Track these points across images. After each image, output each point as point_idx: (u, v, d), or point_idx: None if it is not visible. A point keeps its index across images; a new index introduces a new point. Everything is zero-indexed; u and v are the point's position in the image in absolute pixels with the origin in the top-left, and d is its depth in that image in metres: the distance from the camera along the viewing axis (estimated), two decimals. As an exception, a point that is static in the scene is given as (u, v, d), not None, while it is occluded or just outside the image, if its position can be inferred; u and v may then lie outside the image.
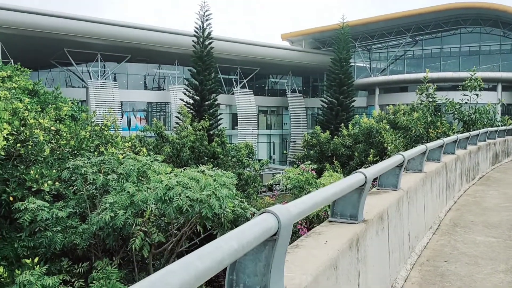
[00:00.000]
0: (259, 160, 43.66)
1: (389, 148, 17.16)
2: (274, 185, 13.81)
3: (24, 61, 26.98)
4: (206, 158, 17.92)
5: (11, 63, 28.04)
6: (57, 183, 10.16)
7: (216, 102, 34.08)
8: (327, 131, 25.90)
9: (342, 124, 26.43)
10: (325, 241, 2.61)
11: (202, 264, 1.36)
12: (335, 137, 24.39)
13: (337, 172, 17.45)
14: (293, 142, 52.93)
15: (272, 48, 48.30)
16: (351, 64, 42.86)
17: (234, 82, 50.27)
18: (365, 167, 16.76)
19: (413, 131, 15.54)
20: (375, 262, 3.20)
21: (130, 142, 14.84)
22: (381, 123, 21.58)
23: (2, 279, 7.74)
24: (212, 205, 8.13)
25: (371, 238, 3.12)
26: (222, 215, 8.51)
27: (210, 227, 9.58)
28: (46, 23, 33.61)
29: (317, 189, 12.88)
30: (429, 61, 51.93)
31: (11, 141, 9.96)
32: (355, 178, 2.96)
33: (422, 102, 15.49)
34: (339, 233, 2.80)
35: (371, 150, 20.65)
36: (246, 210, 9.70)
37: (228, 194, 8.68)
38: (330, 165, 21.69)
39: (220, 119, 34.22)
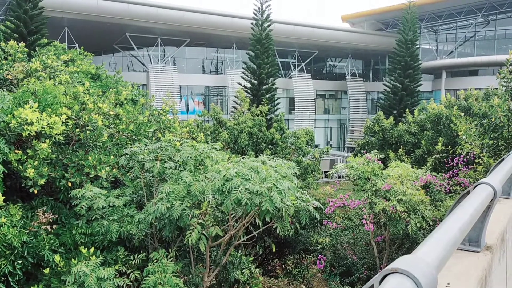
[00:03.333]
0: (316, 146, 42.71)
1: (463, 137, 15.75)
2: (333, 173, 13.09)
3: (89, 46, 27.63)
4: (264, 145, 17.34)
5: (76, 48, 28.86)
6: (114, 169, 9.99)
7: (274, 86, 33.38)
8: (390, 117, 24.47)
9: (407, 110, 24.86)
10: (446, 284, 1.90)
11: None
12: (400, 123, 22.95)
13: (403, 161, 16.29)
14: (352, 127, 51.29)
15: (332, 30, 46.62)
16: (417, 46, 40.41)
17: (291, 66, 49.25)
18: (435, 157, 15.44)
19: (493, 119, 14.07)
20: None
21: (187, 128, 14.54)
22: (451, 109, 19.98)
23: (59, 268, 7.63)
24: (273, 199, 7.53)
25: (495, 270, 2.36)
26: (283, 209, 7.89)
27: (269, 220, 9.01)
28: (110, 8, 34.28)
29: (383, 181, 11.94)
30: (502, 43, 48.04)
31: (70, 126, 9.88)
32: (483, 194, 2.19)
33: (505, 87, 13.91)
34: (460, 270, 2.07)
35: (440, 138, 19.15)
36: (308, 203, 9.02)
37: (290, 186, 8.04)
38: (394, 153, 20.42)
39: (278, 103, 33.53)
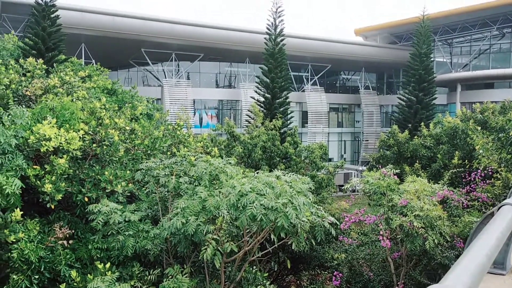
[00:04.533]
0: (330, 160, 42.47)
1: (480, 151, 15.53)
2: (348, 188, 12.98)
3: (105, 62, 28.10)
4: (278, 159, 17.32)
5: (93, 63, 29.37)
6: (130, 184, 10.07)
7: (287, 100, 33.45)
8: (405, 130, 24.27)
9: (422, 123, 24.65)
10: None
11: None
12: (415, 137, 22.75)
13: (419, 176, 16.08)
14: (366, 141, 51.00)
15: (345, 43, 46.70)
16: (431, 59, 40.18)
17: (304, 79, 49.36)
18: (452, 172, 15.19)
19: (510, 133, 13.86)
20: None
21: (202, 142, 14.62)
22: (467, 122, 19.75)
23: (75, 283, 7.66)
24: (288, 215, 7.49)
25: (518, 294, 2.29)
26: (298, 224, 7.83)
27: (284, 236, 8.95)
28: (126, 24, 34.87)
29: (400, 196, 11.80)
30: (518, 55, 47.56)
31: (87, 141, 10.01)
32: (508, 216, 2.14)
33: (522, 101, 13.72)
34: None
35: (456, 152, 18.91)
36: (323, 219, 8.95)
37: (305, 202, 7.99)
38: (410, 167, 20.21)
39: (291, 117, 33.54)
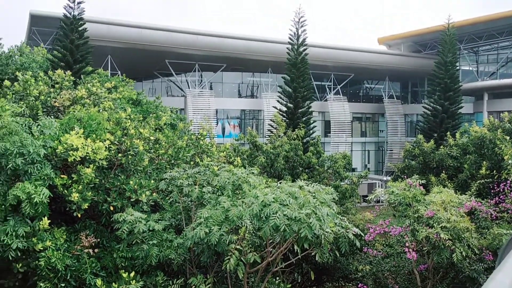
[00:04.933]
0: (354, 170, 41.99)
1: (509, 161, 15.12)
2: (372, 198, 12.83)
3: (130, 73, 28.64)
4: (300, 169, 17.24)
5: (118, 75, 29.97)
6: (154, 193, 10.18)
7: (309, 110, 33.35)
8: (431, 140, 23.86)
9: (448, 133, 24.20)
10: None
11: None
12: (441, 146, 22.34)
13: (445, 186, 15.74)
14: (390, 150, 50.31)
15: (368, 52, 46.37)
16: (457, 67, 39.49)
17: (327, 89, 49.17)
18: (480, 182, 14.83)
19: (541, 143, 13.48)
20: None
21: (224, 152, 14.68)
22: (495, 132, 19.29)
23: (100, 292, 7.76)
24: (312, 225, 7.43)
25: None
26: (322, 236, 7.76)
27: (307, 247, 8.87)
28: (152, 36, 35.52)
29: (426, 207, 11.57)
30: (547, 63, 46.38)
31: (113, 151, 10.18)
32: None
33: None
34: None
35: (483, 162, 18.46)
36: (347, 230, 8.84)
37: (329, 212, 7.92)
38: (436, 177, 19.83)
39: (314, 127, 33.39)
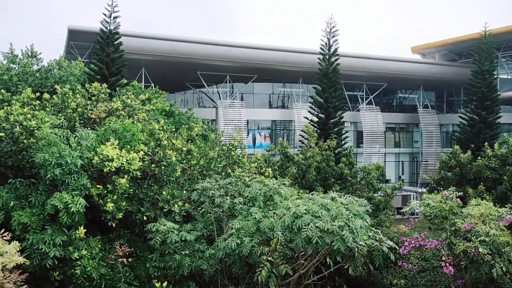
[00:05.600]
0: (387, 181, 41.14)
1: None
2: (407, 210, 12.54)
3: (163, 85, 29.21)
4: (332, 180, 17.02)
5: (152, 87, 30.63)
6: (186, 204, 10.28)
7: (341, 120, 33.00)
8: (468, 151, 23.15)
9: (486, 143, 23.42)
10: None
11: None
12: (478, 157, 21.65)
13: (484, 198, 15.20)
14: (425, 161, 49.05)
15: (402, 62, 45.55)
16: (494, 76, 38.28)
17: (359, 99, 48.59)
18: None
19: None
20: None
21: (256, 163, 14.70)
22: (537, 142, 18.57)
23: (133, 301, 7.85)
24: (345, 238, 7.31)
25: None
26: (355, 248, 7.62)
27: (340, 260, 8.72)
28: (184, 49, 36.16)
29: (463, 220, 11.20)
30: None
31: (146, 162, 10.37)
32: None
33: None
34: None
35: (524, 174, 17.79)
36: (381, 243, 8.65)
37: (363, 225, 7.77)
38: (473, 189, 19.20)
39: (346, 137, 33.00)
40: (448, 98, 55.83)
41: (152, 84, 33.62)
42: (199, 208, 10.80)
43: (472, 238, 10.42)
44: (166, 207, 9.76)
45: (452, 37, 48.13)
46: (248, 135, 42.08)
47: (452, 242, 10.73)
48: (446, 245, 11.08)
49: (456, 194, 11.74)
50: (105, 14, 23.53)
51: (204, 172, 12.23)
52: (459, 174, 21.56)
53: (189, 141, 14.22)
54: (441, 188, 15.61)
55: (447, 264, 10.61)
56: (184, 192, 10.48)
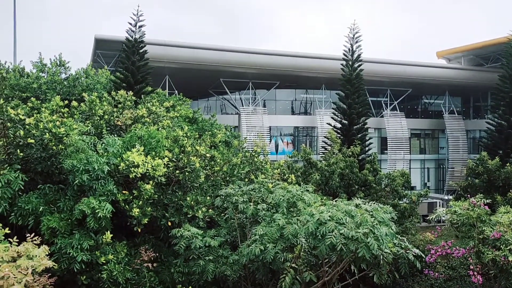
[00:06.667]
0: (413, 188, 40.43)
1: None
2: (433, 218, 12.33)
3: (186, 92, 29.52)
4: (356, 187, 16.86)
5: (175, 94, 31.02)
6: (210, 210, 10.35)
7: (365, 126, 32.68)
8: (496, 157, 22.60)
9: (515, 150, 22.85)
10: None
11: None
12: (507, 164, 21.11)
13: (513, 206, 14.80)
14: (452, 168, 48.04)
15: (427, 67, 44.88)
16: (523, 80, 37.32)
17: (383, 104, 48.04)
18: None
19: None
20: None
21: (279, 169, 14.70)
22: None
23: (157, 306, 7.92)
24: (370, 245, 7.23)
25: None
26: (380, 256, 7.52)
27: (365, 267, 8.63)
28: (207, 56, 36.54)
29: (492, 228, 10.92)
30: None
31: (171, 168, 10.50)
32: None
33: None
34: None
35: (556, 181, 17.25)
36: (407, 250, 8.52)
37: (388, 232, 7.67)
38: (502, 197, 18.72)
39: (370, 143, 32.64)
40: (474, 104, 54.70)
41: (176, 92, 34.03)
42: (222, 214, 10.86)
43: (501, 246, 10.16)
44: (190, 212, 9.85)
45: (478, 41, 47.19)
46: (270, 142, 42.11)
47: (481, 250, 10.48)
48: (474, 253, 10.83)
49: (484, 201, 11.48)
50: (130, 24, 24.01)
51: (228, 178, 12.30)
52: (486, 181, 21.07)
53: (212, 147, 14.34)
54: (468, 195, 15.28)
55: (475, 273, 10.36)
56: (208, 198, 10.55)
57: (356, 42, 32.92)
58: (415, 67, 44.25)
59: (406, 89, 47.27)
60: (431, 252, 12.19)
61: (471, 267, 10.72)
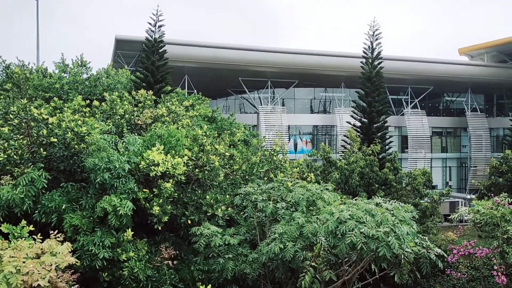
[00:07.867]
0: (434, 187, 39.82)
1: None
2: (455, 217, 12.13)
3: (205, 91, 29.69)
4: (376, 185, 16.70)
5: (195, 93, 31.21)
6: (229, 208, 10.38)
7: (385, 124, 32.29)
8: (520, 156, 22.12)
9: (541, 148, 22.29)
10: None
11: None
12: (533, 163, 20.62)
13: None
14: (474, 167, 47.13)
15: (449, 64, 44.11)
16: (549, 77, 36.39)
17: (404, 102, 47.41)
18: None
19: None
20: None
21: (298, 168, 14.65)
22: None
23: (178, 304, 7.99)
24: (390, 244, 7.14)
25: None
26: (401, 255, 7.43)
27: (386, 267, 8.53)
28: (226, 55, 36.67)
29: (517, 228, 10.66)
30: None
31: (190, 166, 10.57)
32: None
33: None
34: None
35: None
36: (429, 250, 8.39)
37: (409, 231, 7.57)
38: (527, 196, 18.29)
39: (390, 142, 32.25)
40: (498, 101, 53.54)
41: (195, 91, 34.24)
42: (241, 213, 10.89)
43: (526, 247, 9.93)
44: (210, 211, 9.90)
45: (502, 38, 46.18)
46: (289, 141, 41.99)
47: (505, 250, 10.26)
48: (498, 253, 10.61)
49: (508, 201, 11.22)
50: (150, 24, 24.23)
51: (247, 177, 12.31)
52: (511, 179, 20.64)
53: (232, 146, 14.38)
54: (492, 194, 14.97)
55: (499, 274, 10.15)
56: (227, 196, 10.59)
57: (376, 39, 32.55)
58: (437, 64, 43.53)
59: (428, 86, 46.56)
60: (453, 252, 11.99)
61: (495, 267, 10.50)
